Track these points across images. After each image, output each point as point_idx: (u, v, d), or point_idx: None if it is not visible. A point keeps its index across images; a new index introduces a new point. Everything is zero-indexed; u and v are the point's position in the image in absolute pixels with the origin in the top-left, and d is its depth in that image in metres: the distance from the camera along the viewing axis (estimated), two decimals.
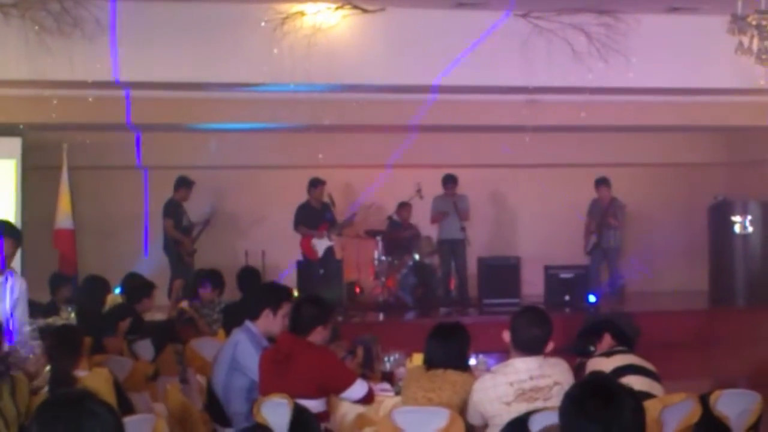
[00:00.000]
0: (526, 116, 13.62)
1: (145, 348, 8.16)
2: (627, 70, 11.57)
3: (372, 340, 7.52)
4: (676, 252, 16.54)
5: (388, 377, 7.02)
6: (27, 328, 6.75)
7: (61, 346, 5.83)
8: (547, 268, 14.80)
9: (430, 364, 5.82)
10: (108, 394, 5.53)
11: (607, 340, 6.26)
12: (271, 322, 6.54)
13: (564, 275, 14.71)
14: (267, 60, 11.00)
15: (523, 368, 5.26)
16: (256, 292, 7.41)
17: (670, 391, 5.81)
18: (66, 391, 3.15)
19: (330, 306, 6.49)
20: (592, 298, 14.52)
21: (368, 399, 6.15)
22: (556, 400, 4.78)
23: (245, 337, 6.51)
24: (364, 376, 6.58)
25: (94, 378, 5.77)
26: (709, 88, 12.64)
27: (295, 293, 11.07)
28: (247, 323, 6.61)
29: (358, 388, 6.08)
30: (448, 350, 5.78)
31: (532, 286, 14.95)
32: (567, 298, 14.51)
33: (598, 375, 4.48)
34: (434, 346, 5.84)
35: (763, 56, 8.23)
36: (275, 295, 6.74)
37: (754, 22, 8.04)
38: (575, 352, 6.44)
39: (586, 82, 11.66)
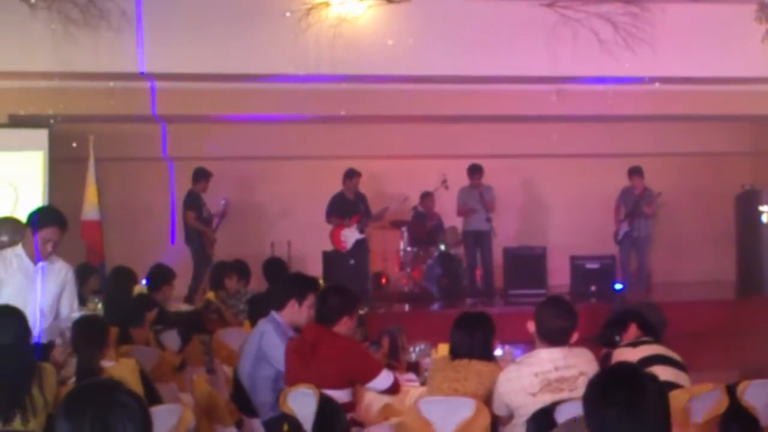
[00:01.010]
0: (552, 106, 13.58)
1: (171, 339, 8.16)
2: (653, 60, 11.51)
3: (397, 331, 7.53)
4: (703, 241, 16.49)
5: (414, 367, 7.02)
6: (77, 315, 6.69)
7: (87, 336, 5.85)
8: (573, 258, 14.74)
9: (454, 353, 5.79)
10: (135, 385, 5.56)
11: (632, 331, 6.20)
12: (297, 313, 6.55)
13: (590, 265, 14.65)
14: (292, 51, 11.01)
15: (547, 359, 5.25)
16: (282, 282, 7.41)
17: (697, 382, 5.77)
18: (94, 380, 3.15)
19: (356, 296, 6.46)
20: (618, 286, 14.47)
21: (394, 389, 6.13)
22: (581, 391, 4.71)
23: (271, 328, 6.51)
24: (390, 367, 6.58)
25: (121, 368, 5.79)
26: (736, 77, 12.56)
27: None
28: (273, 313, 6.61)
29: (384, 379, 6.07)
30: (473, 340, 5.74)
31: (559, 277, 14.89)
32: (593, 288, 14.44)
33: (621, 363, 4.46)
34: (459, 336, 5.80)
35: None
36: (301, 285, 6.75)
37: None
38: (601, 342, 6.39)
39: (612, 72, 11.61)
